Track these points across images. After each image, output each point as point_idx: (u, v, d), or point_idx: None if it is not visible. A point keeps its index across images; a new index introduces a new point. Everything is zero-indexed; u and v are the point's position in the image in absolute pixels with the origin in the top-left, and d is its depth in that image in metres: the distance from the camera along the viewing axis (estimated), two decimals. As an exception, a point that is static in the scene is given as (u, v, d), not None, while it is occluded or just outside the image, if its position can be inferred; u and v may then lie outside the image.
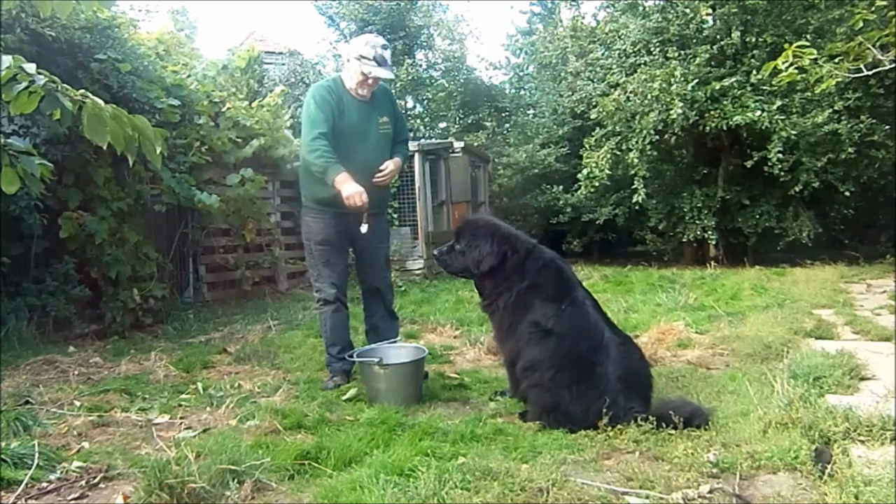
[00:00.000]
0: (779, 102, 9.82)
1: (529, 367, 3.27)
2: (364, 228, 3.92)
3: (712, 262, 10.86)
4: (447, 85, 16.52)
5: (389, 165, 4.09)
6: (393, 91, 4.57)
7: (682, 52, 10.85)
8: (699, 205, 11.20)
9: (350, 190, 3.81)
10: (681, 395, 3.52)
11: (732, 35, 10.84)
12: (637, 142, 10.66)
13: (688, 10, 11.00)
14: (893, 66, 5.32)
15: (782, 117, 9.71)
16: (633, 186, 10.96)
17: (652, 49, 11.33)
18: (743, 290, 7.72)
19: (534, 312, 3.31)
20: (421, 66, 16.93)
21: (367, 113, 4.08)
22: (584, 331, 3.25)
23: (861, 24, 5.52)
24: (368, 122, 4.07)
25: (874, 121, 9.93)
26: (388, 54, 3.98)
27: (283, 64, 15.85)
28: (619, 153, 11.07)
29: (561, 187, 13.70)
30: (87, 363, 4.80)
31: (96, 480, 2.67)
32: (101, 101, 2.32)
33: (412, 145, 10.91)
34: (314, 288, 4.32)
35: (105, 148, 2.36)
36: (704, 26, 11.26)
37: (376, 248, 4.26)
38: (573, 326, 3.26)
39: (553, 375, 3.17)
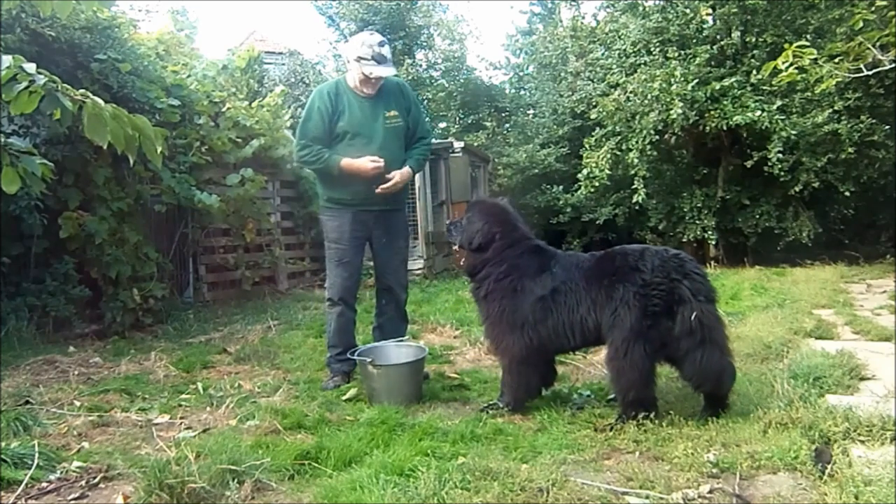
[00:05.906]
0: (779, 102, 9.81)
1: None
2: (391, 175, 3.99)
3: (712, 262, 10.86)
4: (447, 85, 16.53)
5: (395, 176, 4.02)
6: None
7: (682, 52, 10.83)
8: (699, 205, 11.19)
9: (362, 164, 3.89)
10: (681, 395, 3.52)
11: (732, 35, 10.83)
12: (637, 142, 10.65)
13: (688, 10, 10.98)
14: (893, 66, 5.32)
15: (782, 117, 9.70)
16: (633, 186, 10.95)
17: (652, 49, 11.32)
18: (743, 290, 7.71)
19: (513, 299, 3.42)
20: (421, 66, 16.94)
21: (370, 109, 4.06)
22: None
23: (861, 24, 5.50)
24: (373, 117, 4.05)
25: (874, 121, 9.91)
26: (386, 50, 3.97)
27: (283, 64, 15.86)
28: (619, 153, 11.06)
29: (561, 187, 13.69)
30: (87, 363, 4.79)
31: (96, 480, 2.67)
32: (101, 101, 2.31)
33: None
34: (326, 286, 4.31)
35: (105, 148, 2.36)
36: (704, 26, 11.25)
37: (393, 248, 4.25)
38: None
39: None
